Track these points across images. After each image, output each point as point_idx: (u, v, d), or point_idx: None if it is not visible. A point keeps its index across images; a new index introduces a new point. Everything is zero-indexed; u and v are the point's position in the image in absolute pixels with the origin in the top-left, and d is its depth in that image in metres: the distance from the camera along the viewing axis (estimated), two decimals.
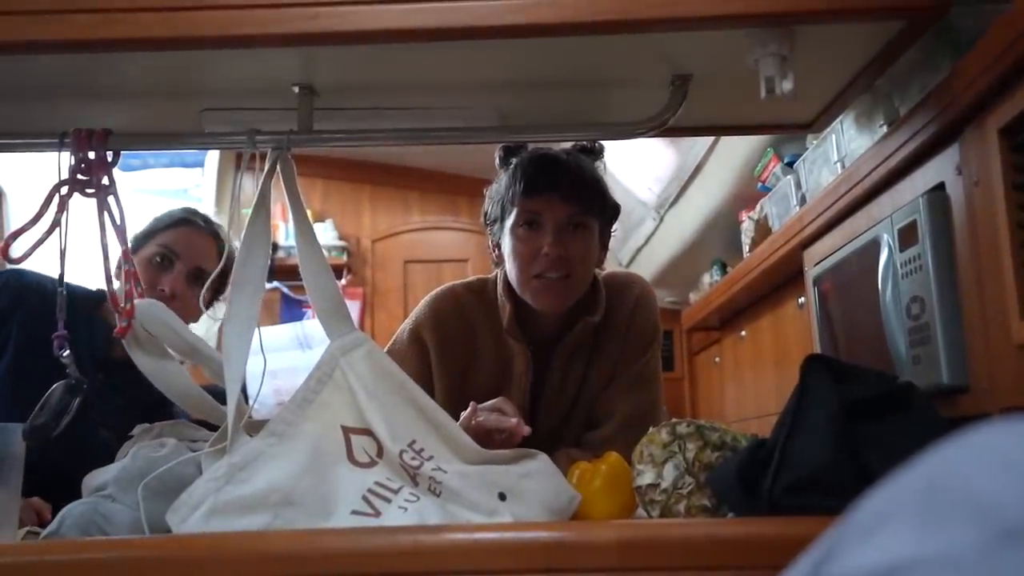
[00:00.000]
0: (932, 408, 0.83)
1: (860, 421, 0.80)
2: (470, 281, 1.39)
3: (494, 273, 1.38)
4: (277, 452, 0.83)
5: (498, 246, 1.32)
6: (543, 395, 1.33)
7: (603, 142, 1.34)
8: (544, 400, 1.33)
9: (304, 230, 0.95)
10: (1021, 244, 0.81)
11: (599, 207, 1.27)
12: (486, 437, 1.05)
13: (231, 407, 0.83)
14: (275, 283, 3.98)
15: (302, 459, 0.83)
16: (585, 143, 1.32)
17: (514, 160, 1.30)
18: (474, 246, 4.33)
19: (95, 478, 0.90)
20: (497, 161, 1.34)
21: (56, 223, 0.93)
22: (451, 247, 4.46)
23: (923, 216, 0.97)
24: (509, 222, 1.26)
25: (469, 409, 1.11)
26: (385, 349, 1.34)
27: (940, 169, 0.97)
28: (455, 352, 1.33)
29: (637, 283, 1.37)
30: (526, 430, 1.05)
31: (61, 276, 0.96)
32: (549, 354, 1.31)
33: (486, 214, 1.34)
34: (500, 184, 1.30)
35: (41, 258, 0.94)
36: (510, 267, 1.27)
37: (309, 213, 0.98)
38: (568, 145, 1.33)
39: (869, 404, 0.81)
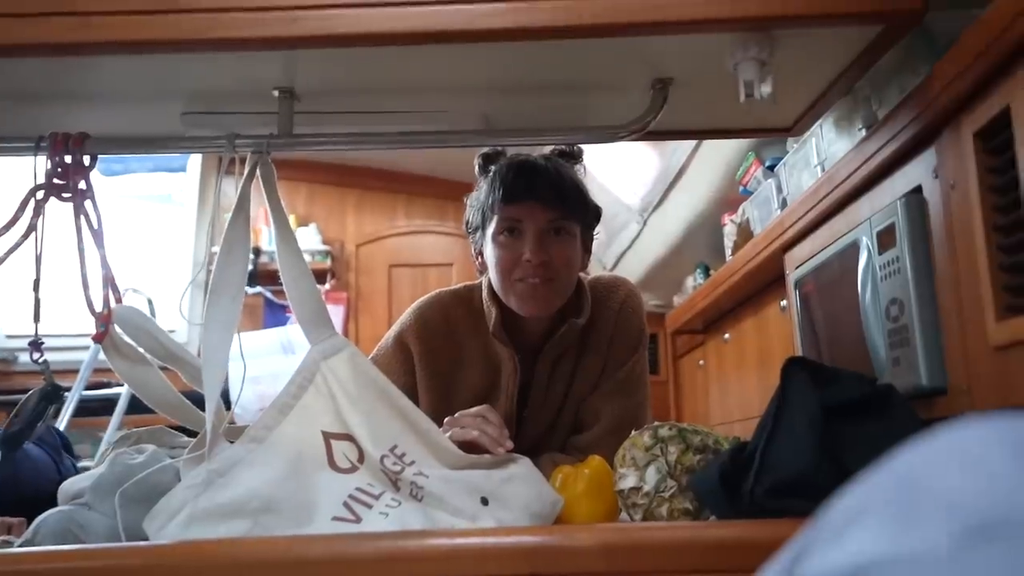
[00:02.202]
0: (910, 410, 0.84)
1: (840, 423, 0.80)
2: (457, 288, 1.39)
3: (480, 280, 1.38)
4: (256, 458, 0.82)
5: (481, 254, 1.32)
6: (530, 400, 1.33)
7: (585, 146, 1.35)
8: (531, 405, 1.33)
9: (284, 234, 0.94)
10: (997, 246, 0.82)
11: (580, 211, 1.27)
12: (470, 447, 1.04)
13: (209, 412, 0.83)
14: (258, 288, 3.96)
15: (282, 465, 0.82)
16: (564, 147, 1.33)
17: (493, 167, 1.30)
18: (459, 250, 4.32)
19: (72, 486, 0.89)
20: (476, 168, 1.34)
21: (32, 228, 0.92)
22: (436, 251, 4.45)
23: (901, 219, 0.98)
24: (490, 230, 1.25)
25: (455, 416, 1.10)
26: (370, 356, 1.33)
27: (917, 172, 0.97)
28: (441, 359, 1.32)
29: (623, 286, 1.37)
30: (509, 445, 1.03)
31: (36, 281, 0.94)
32: (536, 358, 1.31)
33: (467, 222, 1.34)
34: (480, 192, 1.30)
35: (16, 263, 0.93)
36: (493, 274, 1.27)
37: (293, 218, 0.97)
38: (547, 150, 1.33)
39: (848, 407, 0.82)
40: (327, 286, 4.20)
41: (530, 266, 1.21)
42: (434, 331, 1.33)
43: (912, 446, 0.26)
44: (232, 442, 0.85)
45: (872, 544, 0.23)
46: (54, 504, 0.86)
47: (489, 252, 1.26)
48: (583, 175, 1.32)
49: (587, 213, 1.30)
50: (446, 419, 1.08)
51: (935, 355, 0.93)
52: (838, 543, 0.24)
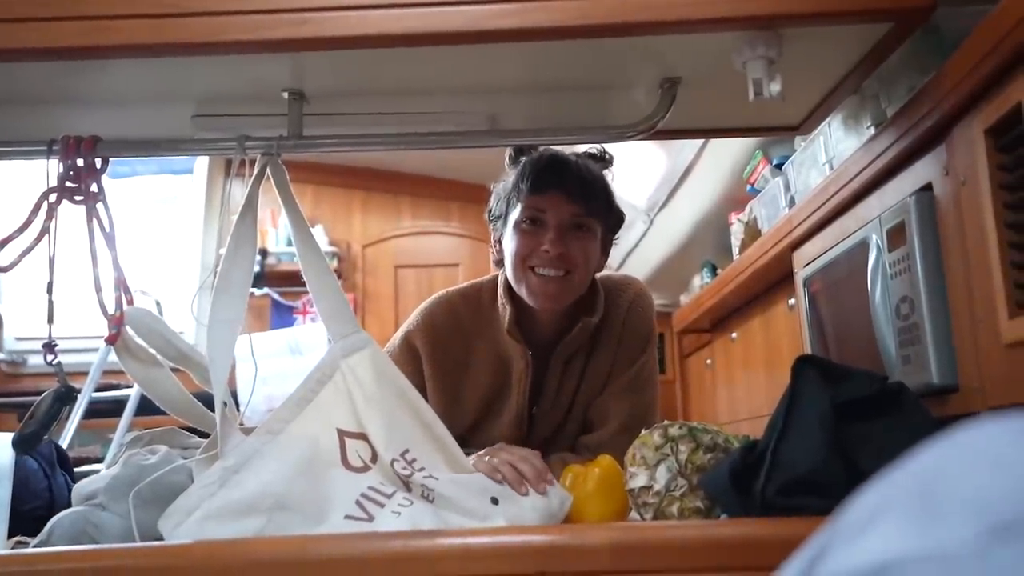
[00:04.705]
0: (922, 408, 0.84)
1: (850, 422, 0.80)
2: (464, 287, 1.39)
3: (489, 276, 1.38)
4: (271, 451, 0.83)
5: (499, 242, 1.32)
6: (541, 399, 1.33)
7: (610, 152, 1.35)
8: (542, 404, 1.33)
9: (302, 233, 0.95)
10: (1008, 243, 0.82)
11: (603, 211, 1.28)
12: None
13: (218, 408, 0.83)
14: (265, 289, 3.97)
15: (296, 461, 0.83)
16: (594, 151, 1.33)
17: (524, 158, 1.30)
18: (465, 251, 4.33)
19: (86, 487, 0.90)
20: (507, 160, 1.35)
21: (44, 231, 0.93)
22: (442, 252, 4.45)
23: (911, 216, 0.98)
24: (513, 217, 1.25)
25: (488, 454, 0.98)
26: None
27: (927, 169, 0.97)
28: (449, 359, 1.32)
29: (632, 285, 1.38)
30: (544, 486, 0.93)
31: (50, 284, 0.95)
32: (547, 357, 1.31)
33: (490, 211, 1.34)
34: (507, 181, 1.30)
35: (23, 267, 0.94)
36: (508, 262, 1.27)
37: None
38: (581, 149, 1.34)
39: (859, 404, 0.81)
40: None
41: (547, 256, 1.21)
42: (441, 330, 1.33)
43: (932, 445, 0.26)
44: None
45: (895, 542, 0.23)
46: (42, 524, 0.85)
47: (508, 239, 1.26)
48: (611, 180, 1.33)
49: (610, 215, 1.30)
50: (487, 448, 0.99)
51: (946, 353, 0.93)
52: (859, 541, 0.24)
